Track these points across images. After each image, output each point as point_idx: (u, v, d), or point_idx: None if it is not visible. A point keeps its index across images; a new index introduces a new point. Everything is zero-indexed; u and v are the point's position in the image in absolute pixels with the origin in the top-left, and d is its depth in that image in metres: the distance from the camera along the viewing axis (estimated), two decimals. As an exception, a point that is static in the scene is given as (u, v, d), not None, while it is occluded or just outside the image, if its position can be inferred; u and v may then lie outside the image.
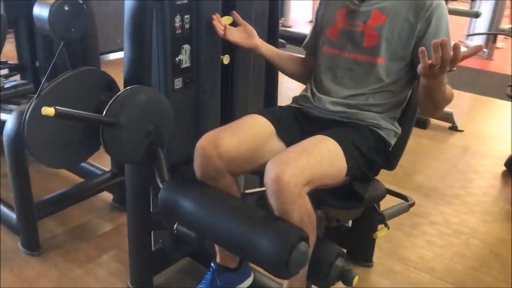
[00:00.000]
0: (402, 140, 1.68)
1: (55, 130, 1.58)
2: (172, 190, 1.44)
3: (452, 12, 3.46)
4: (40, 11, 1.77)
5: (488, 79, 5.38)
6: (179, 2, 1.60)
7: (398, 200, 1.89)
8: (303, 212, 1.29)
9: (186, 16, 1.63)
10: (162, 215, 1.56)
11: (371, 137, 1.54)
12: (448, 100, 1.43)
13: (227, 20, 1.71)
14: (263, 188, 1.36)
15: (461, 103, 4.42)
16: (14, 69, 3.04)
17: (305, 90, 1.71)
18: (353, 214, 1.64)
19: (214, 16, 1.66)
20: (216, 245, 1.61)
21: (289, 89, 2.61)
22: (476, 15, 4.10)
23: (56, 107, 1.28)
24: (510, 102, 3.71)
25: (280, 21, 5.67)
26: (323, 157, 1.36)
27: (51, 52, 2.71)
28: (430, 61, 1.23)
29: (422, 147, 3.43)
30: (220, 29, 1.66)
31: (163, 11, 1.58)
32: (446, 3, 1.54)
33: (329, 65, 1.64)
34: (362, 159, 1.49)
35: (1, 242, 2.16)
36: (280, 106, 1.75)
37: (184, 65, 1.68)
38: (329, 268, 1.43)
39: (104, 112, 1.46)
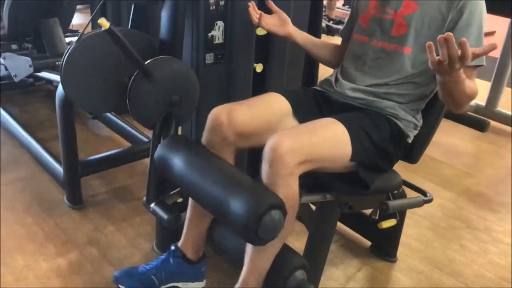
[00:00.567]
0: (426, 134, 1.63)
1: (88, 75, 1.64)
2: (166, 147, 1.50)
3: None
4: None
5: None
6: (214, -21, 1.65)
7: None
8: (288, 192, 1.29)
9: (221, -7, 1.69)
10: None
11: (387, 126, 1.52)
12: (469, 97, 1.36)
13: (261, 31, 1.75)
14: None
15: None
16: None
17: (331, 74, 1.71)
18: (366, 202, 1.63)
19: (250, 4, 1.70)
20: (184, 231, 1.65)
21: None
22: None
23: (111, 25, 1.39)
24: None
25: (324, 13, 5.54)
26: (326, 138, 1.36)
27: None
28: (438, 57, 1.17)
29: (479, 151, 3.27)
30: (255, 16, 1.69)
31: (197, -13, 1.64)
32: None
33: (357, 52, 1.63)
34: (373, 147, 1.47)
35: (50, 194, 2.37)
36: (304, 88, 1.76)
37: (216, 41, 1.74)
38: (286, 279, 1.38)
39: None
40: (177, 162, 1.43)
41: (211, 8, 1.68)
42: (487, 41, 1.37)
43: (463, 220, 2.44)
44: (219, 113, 1.49)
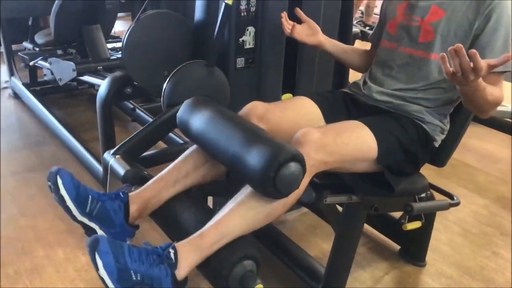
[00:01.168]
0: (454, 138, 1.64)
1: (146, 53, 1.82)
2: (187, 107, 1.51)
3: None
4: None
5: None
6: (245, -14, 1.72)
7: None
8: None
9: (252, 0, 1.75)
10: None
11: (414, 130, 1.53)
12: (492, 104, 1.37)
13: (287, 96, 1.81)
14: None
15: None
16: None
17: (360, 78, 1.74)
18: (392, 205, 1.64)
19: (282, 14, 1.75)
20: (146, 185, 1.50)
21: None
22: None
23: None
24: None
25: (361, 19, 5.50)
26: (351, 140, 1.39)
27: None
28: (451, 69, 1.19)
29: (518, 157, 3.20)
30: (287, 28, 1.75)
31: (230, -6, 1.71)
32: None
33: (385, 58, 1.66)
34: (400, 150, 1.49)
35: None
36: (333, 91, 1.80)
37: (247, 46, 1.81)
38: (231, 266, 1.23)
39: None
40: (198, 117, 1.44)
41: (242, 14, 1.75)
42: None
43: (496, 227, 2.41)
44: (256, 106, 1.54)
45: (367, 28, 5.12)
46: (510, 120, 3.32)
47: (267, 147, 1.21)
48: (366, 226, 1.98)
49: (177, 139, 2.76)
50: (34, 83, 3.48)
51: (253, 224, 1.30)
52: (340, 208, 1.87)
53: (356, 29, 4.10)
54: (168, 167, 1.54)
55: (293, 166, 1.20)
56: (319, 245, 2.14)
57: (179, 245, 1.25)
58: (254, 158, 1.21)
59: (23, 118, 3.37)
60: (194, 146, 1.54)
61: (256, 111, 1.53)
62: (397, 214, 1.78)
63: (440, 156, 1.65)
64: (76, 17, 2.87)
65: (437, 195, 1.82)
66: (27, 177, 2.58)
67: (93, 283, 1.86)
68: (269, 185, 1.19)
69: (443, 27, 1.51)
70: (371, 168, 1.47)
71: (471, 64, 1.14)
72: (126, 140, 1.75)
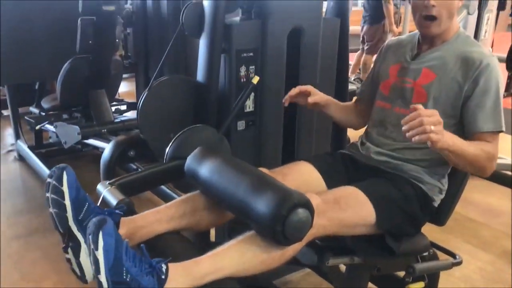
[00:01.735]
0: (453, 197, 1.66)
1: (159, 118, 1.90)
2: (193, 159, 1.53)
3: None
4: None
5: None
6: (244, 55, 1.80)
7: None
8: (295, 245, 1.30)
9: (251, 67, 1.83)
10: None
11: (412, 191, 1.56)
12: (485, 159, 1.43)
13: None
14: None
15: None
16: (130, 106, 3.51)
17: (358, 139, 1.78)
18: (394, 265, 1.64)
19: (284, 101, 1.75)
20: (141, 214, 1.46)
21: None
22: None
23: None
24: None
25: (358, 75, 5.64)
26: (349, 205, 1.42)
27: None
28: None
29: (521, 211, 3.19)
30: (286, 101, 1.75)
31: (230, 62, 1.79)
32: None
33: (381, 118, 1.70)
34: (400, 213, 1.51)
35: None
36: (332, 153, 1.83)
37: (247, 110, 1.86)
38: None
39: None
40: (207, 164, 1.46)
41: (242, 80, 1.82)
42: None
43: (503, 283, 2.38)
44: None
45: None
46: (510, 174, 3.34)
47: (277, 192, 1.23)
48: (370, 284, 1.96)
49: (172, 193, 2.77)
50: (39, 146, 3.55)
51: (248, 266, 1.28)
52: (343, 267, 1.87)
53: (353, 86, 4.20)
54: (167, 203, 1.53)
55: (301, 212, 1.21)
56: (323, 305, 2.12)
57: (172, 265, 1.22)
58: (263, 202, 1.22)
59: (28, 181, 3.41)
60: (197, 191, 1.54)
61: None
62: (402, 273, 1.77)
63: (440, 215, 1.67)
64: (82, 82, 2.97)
65: (440, 253, 1.82)
66: (30, 241, 2.58)
67: None
68: (278, 229, 1.19)
69: (435, 89, 1.56)
70: (371, 231, 1.48)
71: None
72: (124, 175, 1.76)
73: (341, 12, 2.11)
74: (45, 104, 3.30)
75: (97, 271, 1.14)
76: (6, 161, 3.73)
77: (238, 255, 1.27)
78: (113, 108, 3.31)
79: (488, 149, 1.43)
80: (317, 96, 1.77)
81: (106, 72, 3.01)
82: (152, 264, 1.19)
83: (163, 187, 2.92)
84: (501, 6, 4.77)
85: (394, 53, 1.72)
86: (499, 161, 3.62)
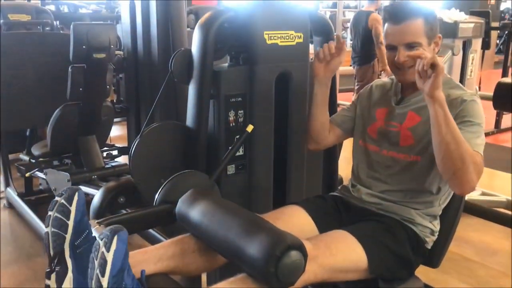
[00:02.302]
0: (445, 237, 1.65)
1: (151, 164, 1.89)
2: (184, 201, 1.54)
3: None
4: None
5: None
6: (233, 100, 1.81)
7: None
8: None
9: (240, 111, 1.84)
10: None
11: (405, 234, 1.55)
12: (463, 151, 1.37)
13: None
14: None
15: None
16: (121, 151, 3.49)
17: (348, 182, 1.78)
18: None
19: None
20: (146, 248, 1.49)
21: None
22: None
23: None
24: None
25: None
26: (339, 250, 1.41)
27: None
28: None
29: (516, 249, 3.16)
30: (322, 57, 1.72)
31: (219, 107, 1.80)
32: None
33: (369, 160, 1.71)
34: (392, 257, 1.50)
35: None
36: (323, 196, 1.82)
37: (237, 153, 1.86)
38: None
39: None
40: (198, 208, 1.46)
41: (231, 124, 1.82)
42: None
43: (502, 325, 2.33)
44: None
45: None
46: (505, 211, 3.33)
47: (270, 234, 1.23)
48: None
49: (161, 238, 2.73)
50: (29, 193, 3.50)
51: None
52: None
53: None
54: (156, 244, 1.51)
55: (295, 254, 1.20)
56: None
57: None
58: (256, 244, 1.22)
59: (17, 229, 3.35)
60: (188, 233, 1.52)
61: None
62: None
63: (433, 257, 1.66)
64: (73, 129, 2.96)
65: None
66: (18, 293, 2.52)
67: None
68: (271, 270, 1.18)
69: (420, 131, 1.57)
70: (364, 276, 1.46)
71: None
72: (113, 216, 1.74)
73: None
74: (35, 151, 3.28)
75: (102, 273, 1.16)
76: (-5, 210, 3.68)
77: None
78: (104, 154, 3.29)
79: (476, 156, 1.40)
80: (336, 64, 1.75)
81: (96, 118, 3.02)
82: None
83: (151, 231, 2.89)
84: (486, 46, 4.89)
85: (380, 97, 1.74)
86: (493, 198, 3.65)
